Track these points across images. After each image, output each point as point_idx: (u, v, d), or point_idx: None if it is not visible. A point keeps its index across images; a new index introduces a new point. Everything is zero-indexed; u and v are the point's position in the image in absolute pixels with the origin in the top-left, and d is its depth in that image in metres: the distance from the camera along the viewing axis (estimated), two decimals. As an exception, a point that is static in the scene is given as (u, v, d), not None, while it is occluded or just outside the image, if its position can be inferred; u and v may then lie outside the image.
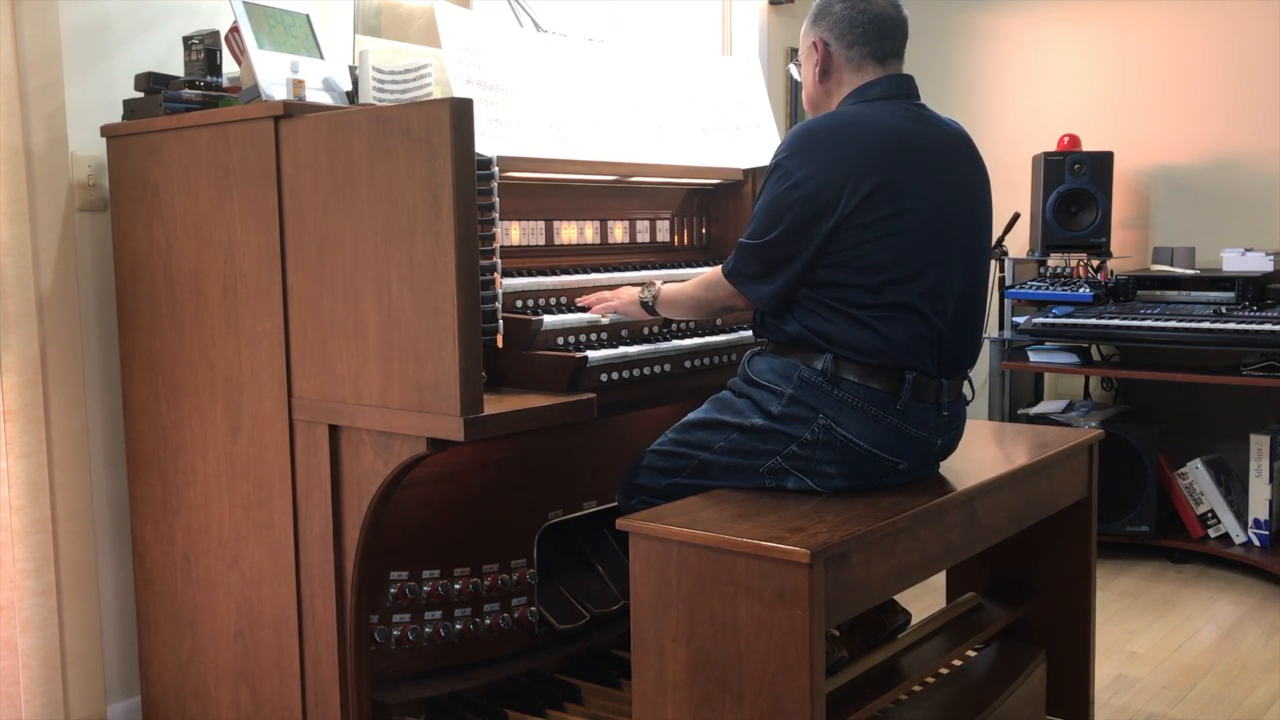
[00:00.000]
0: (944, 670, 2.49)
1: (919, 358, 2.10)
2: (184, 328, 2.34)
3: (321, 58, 2.38)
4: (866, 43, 2.20)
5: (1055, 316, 4.03)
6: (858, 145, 2.07)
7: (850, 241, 2.05)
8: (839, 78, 2.23)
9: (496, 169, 2.22)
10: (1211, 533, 4.06)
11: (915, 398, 2.10)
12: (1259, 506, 3.95)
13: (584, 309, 2.45)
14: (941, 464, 2.27)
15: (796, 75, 2.37)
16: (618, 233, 2.90)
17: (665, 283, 2.40)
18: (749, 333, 2.58)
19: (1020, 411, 4.33)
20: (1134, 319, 3.88)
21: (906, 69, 2.26)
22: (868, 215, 2.05)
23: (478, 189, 1.92)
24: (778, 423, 2.11)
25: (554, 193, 2.74)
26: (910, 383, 2.09)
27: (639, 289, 2.41)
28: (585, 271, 2.61)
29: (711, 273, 2.26)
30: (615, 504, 2.44)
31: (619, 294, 2.45)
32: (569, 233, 2.78)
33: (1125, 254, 4.48)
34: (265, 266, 2.17)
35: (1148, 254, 4.47)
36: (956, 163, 2.19)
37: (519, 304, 2.44)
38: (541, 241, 2.72)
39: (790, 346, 2.14)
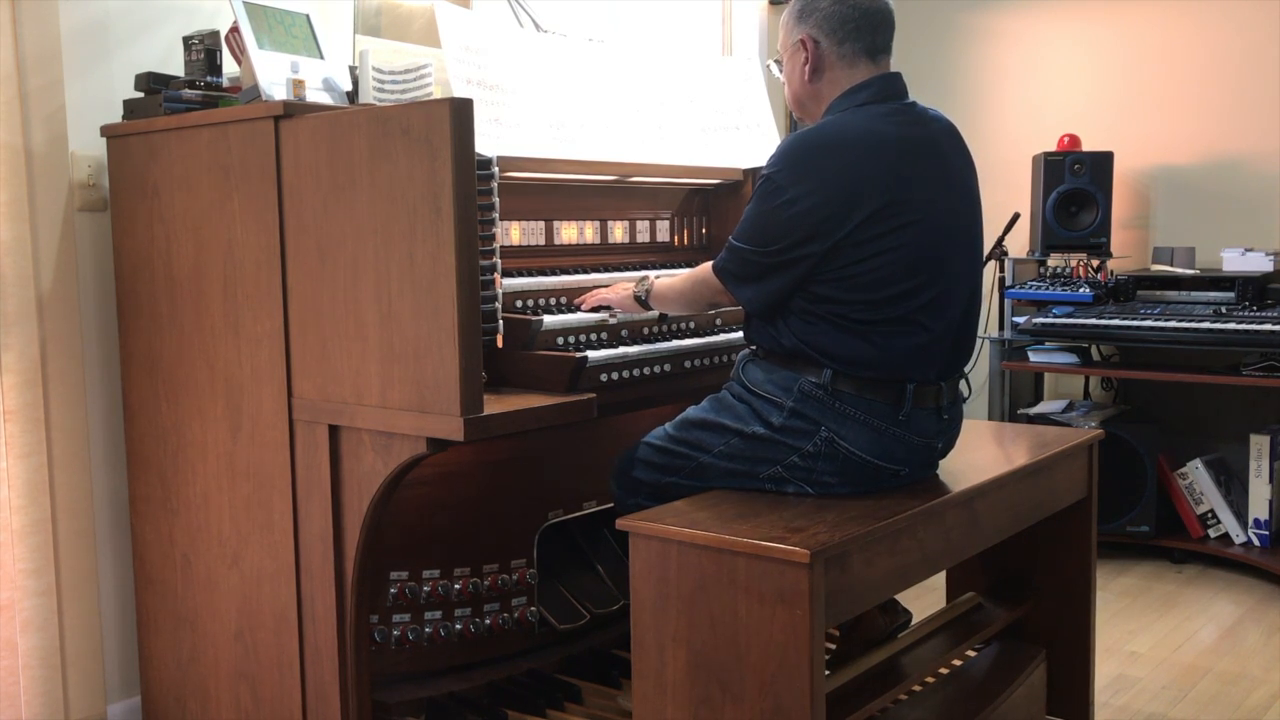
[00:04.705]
0: (944, 670, 2.49)
1: (919, 368, 2.09)
2: (184, 328, 2.34)
3: (321, 58, 2.38)
4: (858, 38, 2.15)
5: (1055, 316, 4.03)
6: (858, 164, 2.03)
7: (849, 259, 2.03)
8: (831, 76, 2.18)
9: (496, 169, 2.22)
10: (1211, 533, 4.06)
11: (917, 405, 2.09)
12: (1259, 506, 3.95)
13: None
14: (941, 463, 2.26)
15: (778, 74, 2.32)
16: (618, 233, 2.90)
17: (659, 278, 2.40)
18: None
19: (1020, 411, 4.33)
20: (1134, 319, 3.88)
21: (906, 69, 2.23)
22: (868, 233, 2.02)
23: (478, 189, 1.92)
24: (779, 433, 2.10)
25: (554, 193, 2.74)
26: (911, 393, 2.08)
27: (633, 284, 2.41)
28: (585, 271, 2.61)
29: (703, 268, 2.26)
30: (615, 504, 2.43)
31: (614, 288, 2.45)
32: (569, 233, 2.78)
33: (1125, 254, 4.48)
34: (265, 266, 2.17)
35: (1148, 254, 4.47)
36: (950, 161, 2.16)
37: (519, 304, 2.44)
38: (541, 241, 2.72)
39: (788, 358, 2.12)
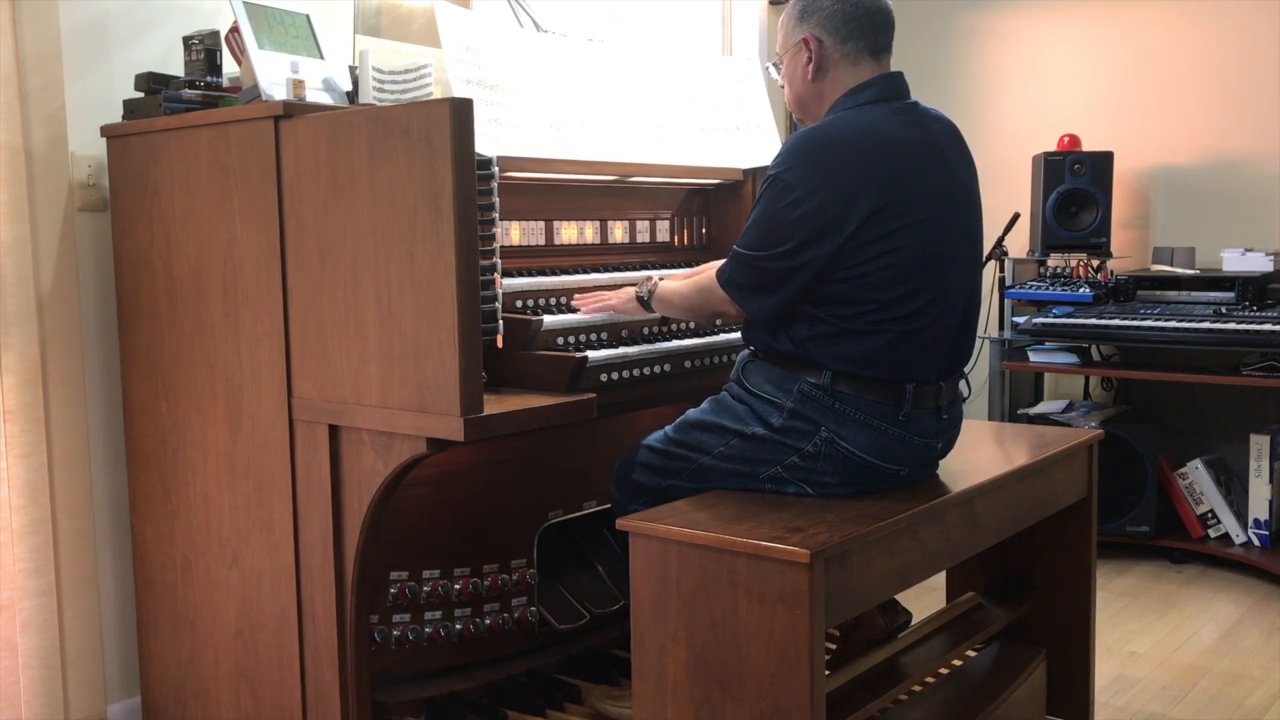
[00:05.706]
0: (944, 670, 2.49)
1: (920, 368, 2.09)
2: (184, 328, 2.34)
3: (321, 58, 2.38)
4: (861, 37, 2.15)
5: (1055, 316, 4.03)
6: (862, 161, 2.02)
7: (854, 259, 2.02)
8: (834, 75, 2.17)
9: (496, 169, 2.22)
10: (1211, 533, 4.06)
11: (917, 405, 2.09)
12: (1259, 506, 3.95)
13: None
14: (941, 463, 2.26)
15: (776, 77, 2.31)
16: (618, 233, 2.90)
17: (663, 280, 2.39)
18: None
19: (1020, 411, 4.33)
20: (1134, 319, 3.88)
21: (906, 69, 2.23)
22: (870, 234, 2.01)
23: (478, 189, 1.92)
24: (779, 434, 2.10)
25: (554, 193, 2.74)
26: (911, 393, 2.08)
27: (636, 286, 2.40)
28: (585, 271, 2.61)
29: (707, 277, 2.23)
30: (615, 504, 2.43)
31: (619, 293, 2.43)
32: (569, 233, 2.78)
33: (1125, 254, 4.48)
34: (265, 266, 2.17)
35: (1148, 254, 4.47)
36: (951, 162, 2.16)
37: (519, 304, 2.44)
38: (541, 241, 2.72)
39: (787, 359, 2.11)
